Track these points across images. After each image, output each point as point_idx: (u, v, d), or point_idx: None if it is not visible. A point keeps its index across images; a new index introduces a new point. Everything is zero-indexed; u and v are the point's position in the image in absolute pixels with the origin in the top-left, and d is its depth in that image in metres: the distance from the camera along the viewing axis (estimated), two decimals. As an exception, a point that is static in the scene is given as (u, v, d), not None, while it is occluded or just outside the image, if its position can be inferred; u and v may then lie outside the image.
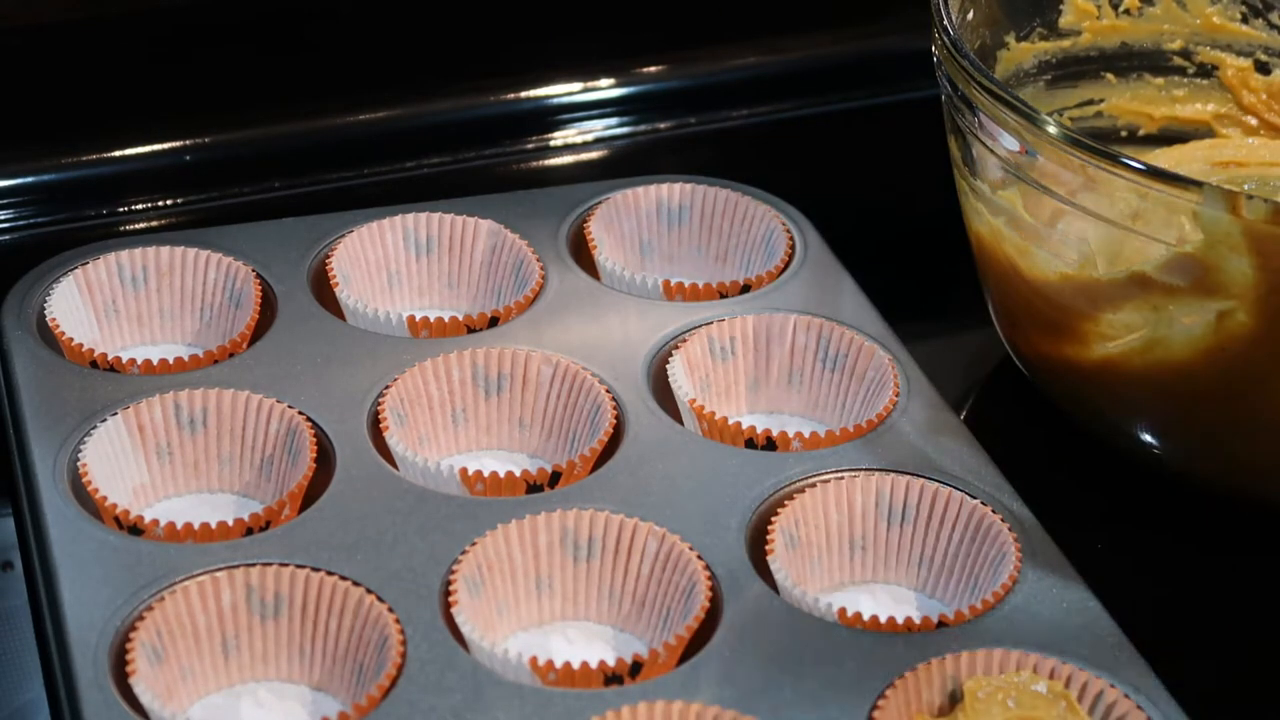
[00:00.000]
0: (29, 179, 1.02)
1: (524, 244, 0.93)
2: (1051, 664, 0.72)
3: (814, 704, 0.71)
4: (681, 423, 0.85)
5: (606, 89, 1.11)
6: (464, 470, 0.81)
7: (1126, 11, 1.01)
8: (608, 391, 0.85)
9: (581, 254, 0.95)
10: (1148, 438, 0.87)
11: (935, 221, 0.98)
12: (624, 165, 1.08)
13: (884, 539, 0.80)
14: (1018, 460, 0.84)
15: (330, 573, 0.74)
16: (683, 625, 0.74)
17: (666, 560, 0.77)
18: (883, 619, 0.75)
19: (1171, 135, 1.02)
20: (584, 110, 1.11)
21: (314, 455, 0.80)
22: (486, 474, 0.81)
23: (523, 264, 0.93)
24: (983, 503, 0.80)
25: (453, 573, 0.75)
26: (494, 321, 0.90)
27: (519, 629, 0.77)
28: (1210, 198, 0.77)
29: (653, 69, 1.13)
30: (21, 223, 1.01)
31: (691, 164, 1.00)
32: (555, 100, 1.11)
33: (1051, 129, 0.82)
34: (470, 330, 0.89)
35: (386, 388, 0.84)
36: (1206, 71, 1.02)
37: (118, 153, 1.03)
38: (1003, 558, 0.78)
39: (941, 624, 0.75)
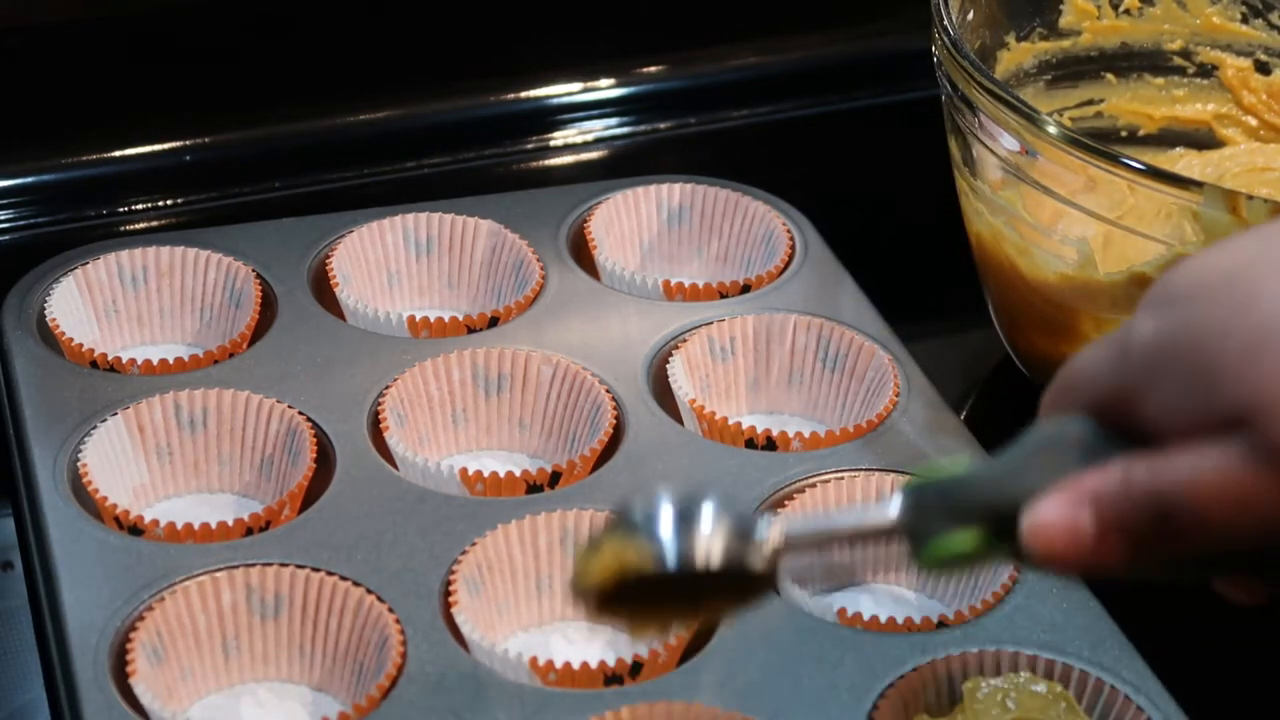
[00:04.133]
0: (29, 179, 1.02)
1: (524, 244, 0.93)
2: (1051, 664, 0.72)
3: (814, 704, 0.71)
4: (681, 423, 0.85)
5: (606, 89, 1.11)
6: (464, 470, 0.80)
7: (1126, 11, 1.01)
8: (608, 391, 0.84)
9: (581, 254, 0.95)
10: (1148, 437, 0.87)
11: (935, 221, 0.98)
12: (624, 165, 1.08)
13: (884, 539, 0.80)
14: (1018, 460, 0.84)
15: (330, 573, 0.74)
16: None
17: (666, 560, 0.76)
18: (883, 619, 0.75)
19: (1172, 135, 1.02)
20: (584, 110, 1.11)
21: (314, 455, 0.80)
22: (486, 474, 0.81)
23: (523, 264, 0.93)
24: (983, 503, 0.79)
25: (453, 573, 0.75)
26: (494, 321, 0.90)
27: (519, 629, 0.77)
28: (1210, 198, 0.77)
29: (653, 69, 1.13)
30: (21, 223, 1.01)
31: (691, 164, 1.00)
32: (555, 100, 1.11)
33: (1051, 129, 0.82)
34: (470, 330, 0.89)
35: (386, 388, 0.84)
36: (1206, 71, 1.02)
37: (118, 153, 1.03)
38: (1003, 558, 0.78)
39: (941, 624, 0.75)
